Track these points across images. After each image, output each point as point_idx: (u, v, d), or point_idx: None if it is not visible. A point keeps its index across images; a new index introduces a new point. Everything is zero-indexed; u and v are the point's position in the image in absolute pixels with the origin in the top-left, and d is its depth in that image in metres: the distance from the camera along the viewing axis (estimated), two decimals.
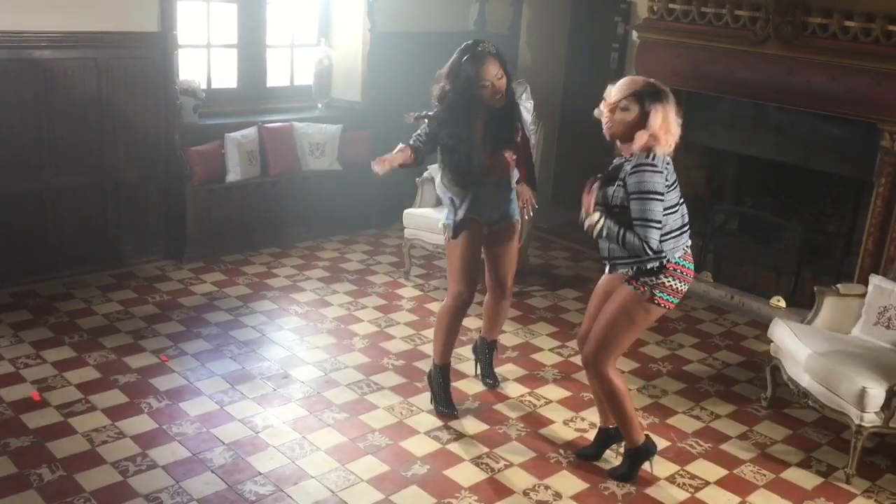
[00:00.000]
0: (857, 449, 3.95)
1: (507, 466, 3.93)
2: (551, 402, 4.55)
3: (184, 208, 5.92)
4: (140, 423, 4.04)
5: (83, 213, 5.63)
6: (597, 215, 3.50)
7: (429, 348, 4.98)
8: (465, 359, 4.88)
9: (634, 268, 3.54)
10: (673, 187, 3.51)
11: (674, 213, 3.52)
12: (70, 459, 3.73)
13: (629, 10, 6.52)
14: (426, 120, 4.09)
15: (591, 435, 4.16)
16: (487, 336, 4.62)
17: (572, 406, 4.52)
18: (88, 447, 3.83)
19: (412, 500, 3.64)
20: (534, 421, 4.34)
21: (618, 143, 3.56)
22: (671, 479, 3.92)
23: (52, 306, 5.21)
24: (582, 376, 4.73)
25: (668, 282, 3.54)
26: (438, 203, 6.15)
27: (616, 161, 3.62)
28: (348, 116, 6.82)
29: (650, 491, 3.82)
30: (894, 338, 4.33)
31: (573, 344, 5.16)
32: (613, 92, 3.51)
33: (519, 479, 3.84)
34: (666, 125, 3.42)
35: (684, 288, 3.59)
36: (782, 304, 5.70)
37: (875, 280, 4.52)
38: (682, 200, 3.58)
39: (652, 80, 3.53)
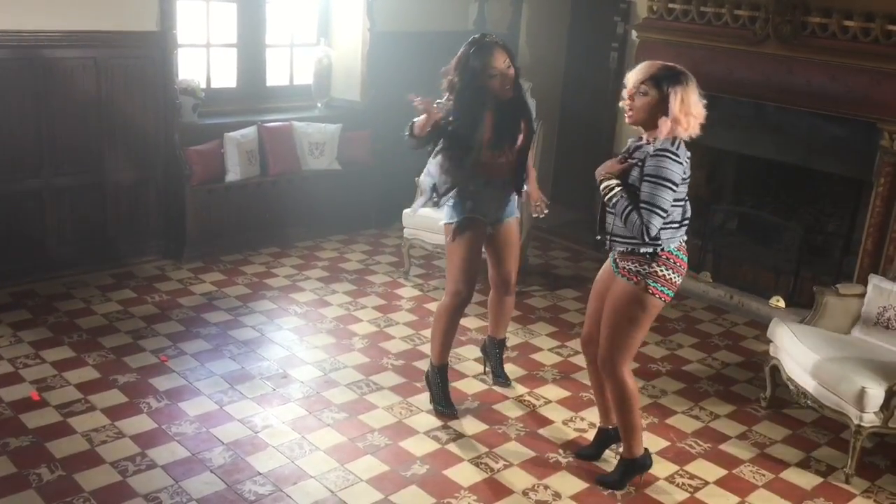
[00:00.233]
0: (857, 449, 3.95)
1: (506, 466, 3.93)
2: (551, 401, 4.55)
3: (183, 208, 5.91)
4: (139, 423, 4.04)
5: (82, 213, 5.63)
6: (615, 181, 3.48)
7: (428, 348, 4.97)
8: (464, 359, 4.88)
9: (629, 248, 3.51)
10: (686, 181, 3.49)
11: (680, 206, 3.51)
12: (69, 459, 3.73)
13: (629, 10, 6.52)
14: (435, 107, 4.05)
15: (590, 435, 4.16)
16: (495, 335, 4.63)
17: (572, 406, 4.52)
18: (88, 447, 3.83)
19: (411, 499, 3.64)
20: (533, 421, 4.34)
21: (643, 132, 3.51)
22: (670, 479, 3.92)
23: (52, 306, 5.21)
24: (581, 376, 4.73)
25: (661, 271, 3.50)
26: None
27: (633, 141, 3.58)
28: (348, 116, 6.82)
29: (649, 491, 3.82)
30: (894, 338, 4.33)
31: (573, 344, 5.17)
32: (631, 77, 3.46)
33: (518, 479, 3.85)
34: (686, 107, 3.35)
35: (678, 280, 3.56)
36: (782, 304, 5.70)
37: (874, 280, 4.52)
38: (686, 197, 3.57)
39: (670, 63, 3.47)
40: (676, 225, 3.51)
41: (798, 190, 6.07)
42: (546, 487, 3.80)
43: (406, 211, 5.78)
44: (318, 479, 3.73)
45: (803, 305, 5.37)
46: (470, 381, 4.70)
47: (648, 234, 3.38)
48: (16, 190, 5.32)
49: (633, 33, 6.32)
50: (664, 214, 3.38)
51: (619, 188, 3.47)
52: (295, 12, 6.94)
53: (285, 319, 5.29)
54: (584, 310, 4.16)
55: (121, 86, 5.60)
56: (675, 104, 3.35)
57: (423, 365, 4.74)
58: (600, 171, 3.54)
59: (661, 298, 3.55)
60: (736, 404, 4.65)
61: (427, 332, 5.18)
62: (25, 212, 5.39)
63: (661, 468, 3.98)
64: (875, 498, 3.90)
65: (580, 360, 4.62)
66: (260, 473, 3.73)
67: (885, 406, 3.84)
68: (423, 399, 4.42)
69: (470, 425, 4.24)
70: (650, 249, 3.48)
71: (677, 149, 3.39)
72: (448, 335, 4.27)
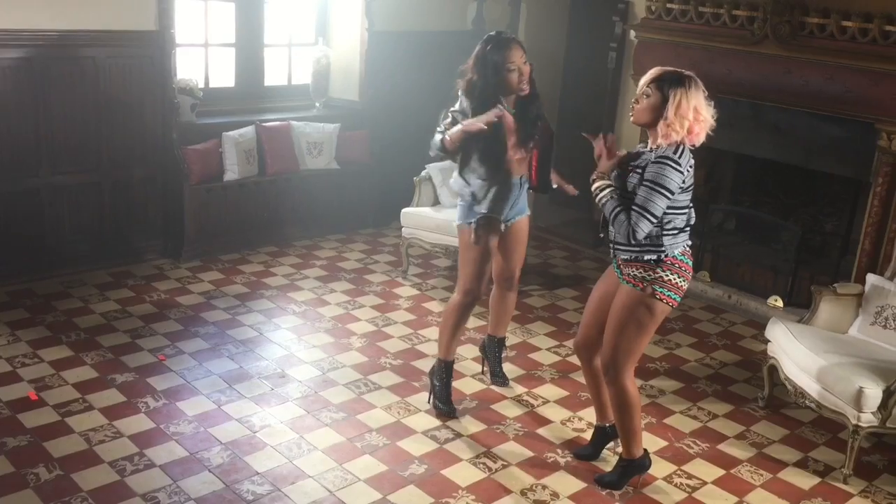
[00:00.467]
0: (854, 449, 3.95)
1: (504, 466, 3.93)
2: (549, 401, 4.55)
3: (181, 207, 5.91)
4: (137, 423, 4.04)
5: (81, 212, 5.63)
6: (607, 183, 3.49)
7: (426, 347, 4.99)
8: (462, 358, 4.87)
9: (632, 256, 3.51)
10: (688, 190, 3.49)
11: (683, 214, 3.50)
12: (67, 459, 3.73)
13: (627, 10, 6.52)
14: (451, 116, 4.06)
15: (588, 434, 4.16)
16: (496, 333, 4.63)
17: (570, 405, 4.52)
18: (86, 446, 3.83)
19: (410, 499, 3.65)
20: (531, 420, 4.35)
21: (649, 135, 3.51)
22: (668, 479, 3.92)
23: (50, 305, 5.21)
24: (579, 376, 4.73)
25: (667, 276, 3.50)
26: (436, 202, 6.16)
27: (639, 147, 3.58)
28: (346, 116, 6.82)
29: (647, 490, 3.82)
30: (891, 337, 4.33)
31: (571, 343, 5.16)
32: (641, 80, 3.50)
33: (516, 478, 3.85)
34: (683, 111, 3.34)
35: (684, 284, 3.56)
36: (780, 303, 5.71)
37: (872, 279, 4.52)
38: (691, 204, 3.56)
39: (680, 69, 3.46)
40: (676, 231, 3.51)
41: (796, 190, 6.07)
42: (544, 487, 3.80)
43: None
44: (316, 478, 3.73)
45: (801, 305, 5.38)
46: (468, 380, 4.70)
47: (635, 236, 3.39)
48: (14, 189, 5.31)
49: (632, 33, 6.33)
50: (654, 220, 3.39)
51: (609, 189, 3.48)
52: (293, 12, 6.94)
53: (283, 319, 5.29)
54: (582, 309, 4.15)
55: (119, 85, 5.60)
56: (670, 107, 3.35)
57: (422, 364, 4.74)
58: (592, 177, 3.56)
59: (668, 303, 3.54)
60: (734, 404, 4.66)
61: (425, 332, 5.18)
62: (24, 211, 5.39)
63: (659, 468, 3.98)
64: (873, 498, 3.90)
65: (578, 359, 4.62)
66: (258, 473, 3.73)
67: (883, 406, 3.85)
68: (422, 399, 4.43)
69: (468, 425, 4.24)
70: (654, 256, 3.48)
71: (679, 157, 3.39)
72: (457, 331, 4.29)
